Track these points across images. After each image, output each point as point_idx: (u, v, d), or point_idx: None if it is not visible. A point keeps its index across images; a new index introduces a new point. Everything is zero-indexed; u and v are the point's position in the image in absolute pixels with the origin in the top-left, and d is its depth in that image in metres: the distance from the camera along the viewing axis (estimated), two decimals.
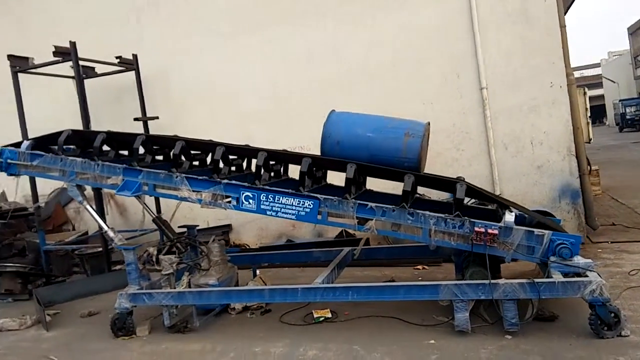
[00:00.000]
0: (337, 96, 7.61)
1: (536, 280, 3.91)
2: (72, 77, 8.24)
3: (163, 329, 4.85)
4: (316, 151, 7.66)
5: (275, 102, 7.98)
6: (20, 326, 5.51)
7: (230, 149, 5.08)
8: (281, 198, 4.64)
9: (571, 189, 6.73)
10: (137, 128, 8.19)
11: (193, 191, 4.86)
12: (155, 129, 8.25)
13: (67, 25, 8.95)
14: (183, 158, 5.18)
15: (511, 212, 4.27)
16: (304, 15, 7.78)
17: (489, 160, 7.05)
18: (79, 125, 8.03)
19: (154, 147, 5.40)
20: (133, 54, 8.16)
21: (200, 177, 4.86)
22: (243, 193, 4.73)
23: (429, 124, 4.96)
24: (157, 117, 8.29)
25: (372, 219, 4.45)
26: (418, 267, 6.36)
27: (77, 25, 8.86)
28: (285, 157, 5.07)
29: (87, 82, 8.58)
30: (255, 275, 6.06)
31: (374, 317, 4.72)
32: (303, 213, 4.61)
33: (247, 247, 7.78)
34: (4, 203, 8.72)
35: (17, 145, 5.52)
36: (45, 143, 5.58)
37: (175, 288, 4.97)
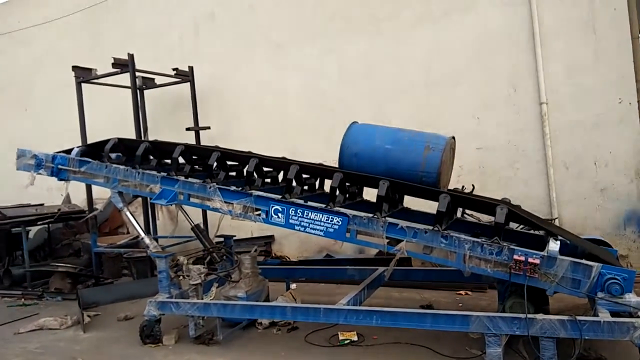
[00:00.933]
0: (386, 108, 7.43)
1: (579, 318, 3.50)
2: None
3: (189, 339, 4.83)
4: None
5: (322, 113, 7.88)
6: (60, 326, 5.72)
7: (264, 161, 5.01)
8: (310, 213, 4.50)
9: (638, 215, 6.09)
10: (190, 137, 8.40)
11: (225, 202, 4.84)
12: (206, 138, 8.41)
13: (130, 38, 9.41)
14: (220, 169, 5.19)
15: (556, 240, 3.87)
16: (360, 26, 7.66)
17: (546, 180, 6.54)
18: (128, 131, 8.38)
19: (194, 157, 5.45)
20: (189, 66, 8.39)
21: (232, 189, 4.83)
22: (272, 206, 4.64)
23: (453, 138, 4.66)
24: (209, 127, 8.45)
25: (403, 240, 4.21)
26: (461, 292, 5.97)
27: (139, 38, 9.28)
28: (317, 171, 4.93)
29: (148, 92, 9.00)
30: (288, 288, 5.95)
31: (403, 344, 4.45)
32: (331, 230, 4.44)
33: (287, 259, 7.70)
34: (67, 206, 9.20)
35: (68, 152, 5.77)
36: (94, 150, 5.80)
37: (203, 298, 4.94)
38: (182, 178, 5.06)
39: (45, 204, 9.27)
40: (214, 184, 4.88)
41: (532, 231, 4.75)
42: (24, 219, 7.88)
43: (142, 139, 8.82)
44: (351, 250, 7.49)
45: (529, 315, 3.63)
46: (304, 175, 5.03)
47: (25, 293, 7.42)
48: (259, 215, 4.74)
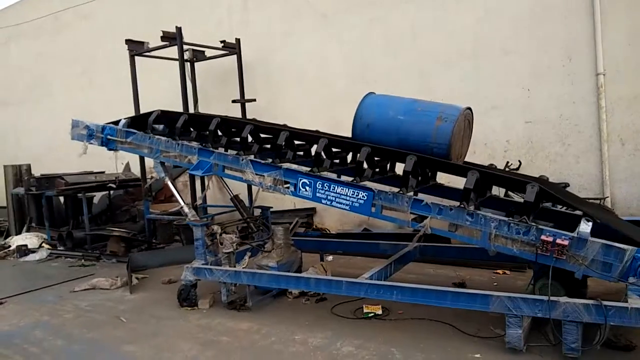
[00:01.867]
0: (430, 79, 7.21)
1: (605, 302, 3.32)
2: (185, 61, 8.87)
3: (223, 304, 5.05)
4: None
5: (365, 85, 7.72)
6: (110, 286, 6.15)
7: (294, 134, 5.05)
8: (336, 187, 4.51)
9: None
10: (236, 110, 8.57)
11: (256, 174, 4.94)
12: (252, 110, 8.53)
13: (183, 11, 9.62)
14: (255, 142, 5.27)
15: (588, 221, 3.66)
16: None
17: (599, 157, 6.15)
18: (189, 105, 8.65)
19: (230, 129, 5.57)
20: (236, 38, 8.49)
21: (263, 161, 4.91)
22: (300, 179, 4.69)
23: (469, 109, 4.50)
24: (254, 100, 8.57)
25: (428, 217, 4.14)
26: (498, 271, 5.81)
27: (191, 11, 9.47)
28: (345, 145, 4.90)
29: (198, 65, 9.22)
30: (322, 260, 6.04)
31: (427, 320, 4.42)
32: (357, 204, 4.43)
33: (327, 232, 7.78)
34: (125, 174, 9.75)
35: (117, 123, 6.06)
36: (141, 122, 6.05)
37: (235, 266, 5.13)
38: (217, 150, 5.20)
39: (106, 172, 9.87)
40: (246, 156, 4.99)
41: (575, 211, 4.52)
42: (84, 186, 8.41)
43: (194, 110, 9.13)
44: (391, 226, 7.42)
45: (552, 298, 3.50)
46: (335, 150, 5.03)
47: (85, 254, 8.01)
48: (288, 188, 4.81)
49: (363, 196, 4.40)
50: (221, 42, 8.32)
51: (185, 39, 8.44)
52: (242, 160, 4.99)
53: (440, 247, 5.49)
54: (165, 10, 10.09)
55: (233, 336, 4.38)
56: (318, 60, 8.25)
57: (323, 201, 4.61)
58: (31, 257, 8.36)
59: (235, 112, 8.58)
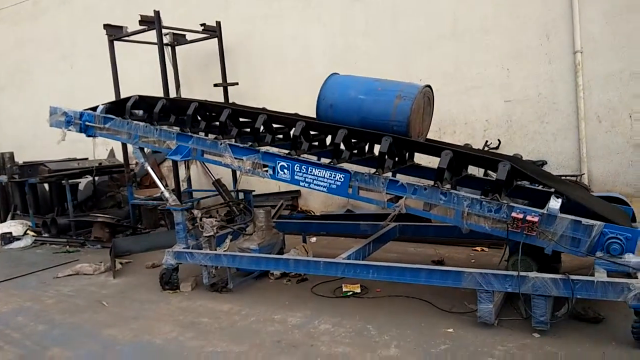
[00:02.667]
0: (411, 60, 7.21)
1: (571, 276, 3.41)
2: (165, 45, 8.79)
3: (205, 286, 5.10)
4: None
5: (346, 68, 7.71)
6: (94, 271, 6.18)
7: (272, 117, 5.06)
8: (314, 169, 4.54)
9: None
10: (218, 93, 8.53)
11: (235, 158, 4.95)
12: (235, 94, 8.50)
13: None
14: (234, 126, 5.28)
15: (558, 197, 3.73)
16: None
17: (577, 135, 6.22)
18: (170, 90, 8.60)
19: (208, 114, 5.56)
20: (216, 21, 8.41)
21: (242, 145, 4.92)
22: (279, 162, 4.71)
23: (429, 87, 4.58)
24: (237, 83, 8.53)
25: (403, 197, 4.19)
26: (477, 248, 5.91)
27: None
28: (323, 128, 4.92)
29: (180, 49, 9.14)
30: (304, 241, 6.10)
31: (404, 298, 4.51)
32: (334, 186, 4.47)
33: (312, 214, 7.83)
34: (109, 160, 9.71)
35: (95, 109, 6.03)
36: (119, 107, 6.01)
37: (216, 249, 5.17)
38: (196, 135, 5.20)
39: (89, 158, 9.82)
40: (225, 140, 5.00)
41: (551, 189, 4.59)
42: (66, 173, 8.37)
43: (176, 95, 9.09)
44: (374, 207, 7.49)
45: (521, 273, 3.58)
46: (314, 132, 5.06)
47: (70, 241, 8.01)
48: (267, 171, 4.83)
49: (340, 178, 4.44)
50: (201, 25, 8.24)
51: (166, 23, 8.35)
52: (221, 144, 4.99)
53: (419, 227, 5.57)
54: None
55: (213, 317, 4.44)
56: (299, 43, 8.21)
57: (301, 183, 4.64)
58: (16, 245, 8.35)
59: (218, 96, 8.55)
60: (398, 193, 4.20)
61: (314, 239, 6.97)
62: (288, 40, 8.31)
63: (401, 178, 4.34)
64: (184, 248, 5.19)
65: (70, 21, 11.29)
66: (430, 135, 7.02)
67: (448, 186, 4.30)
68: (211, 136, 5.18)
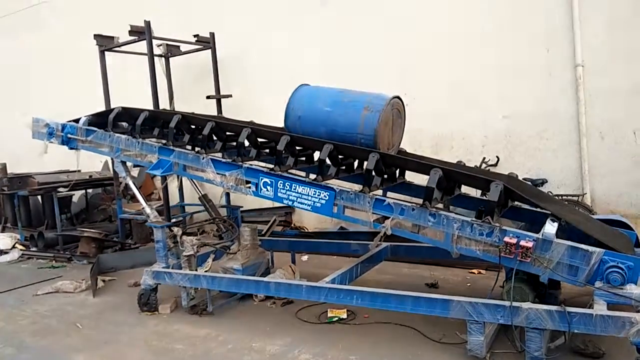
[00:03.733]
0: (407, 74, 6.98)
1: (568, 309, 3.14)
2: (159, 56, 8.65)
3: (186, 308, 4.86)
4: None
5: (340, 81, 7.50)
6: (74, 289, 5.94)
7: (257, 131, 4.82)
8: (297, 187, 4.31)
9: None
10: (212, 106, 8.34)
11: (217, 174, 4.73)
12: (229, 106, 8.31)
13: (159, 4, 9.37)
14: (218, 139, 5.06)
15: (554, 221, 3.47)
16: None
17: (579, 152, 5.95)
18: (164, 102, 8.44)
19: (195, 127, 5.34)
20: (210, 32, 8.25)
21: (224, 160, 4.71)
22: (262, 179, 4.49)
23: (397, 97, 4.42)
24: (230, 95, 8.34)
25: (389, 217, 3.94)
26: (473, 270, 5.62)
27: (161, 4, 9.21)
28: (307, 143, 4.67)
29: (176, 60, 8.98)
30: (293, 260, 5.85)
31: (392, 325, 4.24)
32: (319, 204, 4.24)
33: (305, 230, 7.58)
34: (100, 173, 9.52)
35: (78, 121, 5.83)
36: (103, 120, 5.81)
37: (197, 269, 4.93)
38: (178, 148, 4.99)
39: (81, 170, 9.63)
40: (207, 155, 4.78)
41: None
42: (54, 186, 8.18)
43: (169, 107, 8.91)
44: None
45: (515, 304, 3.31)
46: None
47: (57, 255, 7.78)
48: (249, 187, 4.60)
49: (325, 196, 4.20)
50: (194, 36, 8.08)
51: (162, 33, 8.21)
52: (203, 158, 4.78)
53: (412, 247, 5.28)
54: (141, 3, 9.82)
55: (188, 344, 4.18)
56: (293, 54, 8.02)
57: (285, 201, 4.41)
58: (2, 259, 8.13)
59: (213, 108, 8.36)
60: (384, 213, 3.96)
61: (305, 257, 6.71)
62: (281, 52, 8.12)
63: (392, 196, 4.12)
64: (163, 267, 4.95)
65: (66, 31, 11.17)
66: (426, 152, 6.85)
67: (440, 206, 4.07)
68: (195, 150, 4.96)
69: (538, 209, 4.25)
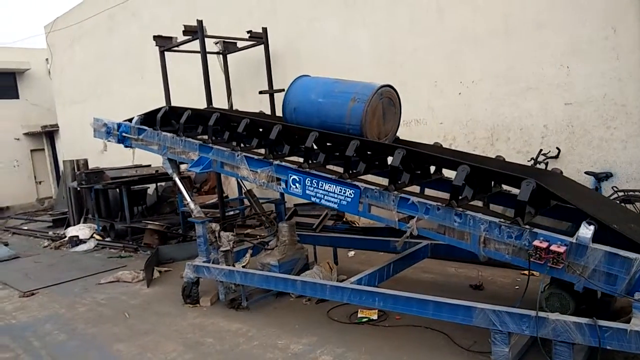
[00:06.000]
0: (459, 59, 6.64)
1: (600, 322, 2.82)
2: (217, 53, 8.89)
3: (223, 302, 4.98)
4: (434, 126, 6.89)
5: (392, 69, 7.30)
6: (132, 279, 6.31)
7: (287, 128, 4.79)
8: (324, 184, 4.24)
9: None
10: (265, 100, 8.45)
11: (251, 171, 4.77)
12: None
13: (210, 4, 9.62)
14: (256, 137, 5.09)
15: (590, 224, 3.11)
16: None
17: None
18: (223, 97, 8.68)
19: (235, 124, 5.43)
20: (262, 28, 8.34)
21: (256, 157, 4.73)
22: (291, 176, 4.46)
23: (388, 86, 4.32)
24: (283, 90, 8.35)
25: (415, 216, 3.77)
26: (525, 272, 5.22)
27: (218, 3, 9.43)
28: (337, 139, 4.55)
29: (233, 56, 9.20)
30: (335, 256, 5.80)
31: (422, 329, 4.07)
32: (344, 202, 4.14)
33: (356, 225, 7.47)
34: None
35: (132, 120, 6.13)
36: (154, 118, 6.07)
37: (234, 264, 5.03)
38: (216, 146, 5.09)
39: (151, 165, 10.18)
40: (241, 152, 4.83)
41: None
42: (123, 180, 8.71)
43: (228, 103, 9.15)
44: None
45: (540, 314, 3.03)
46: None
47: (126, 245, 8.32)
48: (280, 185, 4.60)
49: (350, 194, 4.10)
50: (248, 32, 8.20)
51: (220, 31, 8.44)
52: (237, 155, 4.84)
53: (453, 246, 5.02)
54: (200, 4, 10.14)
55: (219, 338, 4.28)
56: (344, 45, 7.89)
57: (312, 198, 4.35)
58: (80, 248, 8.84)
59: (262, 102, 8.46)
60: (409, 212, 3.79)
61: (352, 253, 6.63)
62: (332, 43, 8.03)
63: (430, 194, 3.93)
64: (204, 262, 5.10)
65: (140, 33, 11.81)
66: (481, 143, 6.49)
67: (479, 204, 3.82)
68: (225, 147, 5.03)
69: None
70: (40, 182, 18.44)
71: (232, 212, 8.50)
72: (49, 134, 18.04)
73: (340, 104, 4.23)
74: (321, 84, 4.52)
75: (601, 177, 5.40)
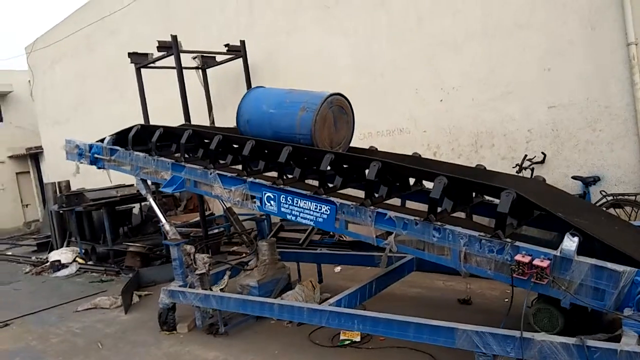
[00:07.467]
0: (440, 66, 6.50)
1: (588, 342, 2.62)
2: (195, 68, 8.72)
3: (199, 328, 4.76)
4: (418, 135, 6.73)
5: (372, 79, 7.15)
6: (110, 305, 6.07)
7: (261, 143, 4.61)
8: (299, 201, 4.05)
9: None
10: None
11: (225, 189, 4.58)
12: None
13: (195, 18, 9.48)
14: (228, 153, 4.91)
15: (574, 235, 2.93)
16: None
17: (637, 143, 5.18)
18: (201, 111, 8.50)
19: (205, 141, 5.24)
20: (240, 41, 8.20)
21: (229, 175, 4.54)
22: (265, 193, 4.27)
23: (338, 94, 4.34)
24: None
25: (392, 232, 3.58)
26: None
27: (203, 15, 9.29)
28: (311, 154, 4.38)
29: (214, 71, 9.03)
30: (320, 273, 5.60)
31: (407, 350, 3.86)
32: (321, 220, 3.95)
33: (343, 239, 7.26)
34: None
35: (104, 141, 5.93)
36: (126, 138, 5.87)
37: (209, 288, 4.81)
38: (188, 165, 4.89)
39: (134, 185, 9.95)
40: (214, 170, 4.64)
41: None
42: (102, 202, 8.48)
43: (209, 117, 8.97)
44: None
45: (526, 334, 2.83)
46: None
47: (107, 269, 8.07)
48: (255, 202, 4.40)
49: (326, 210, 3.91)
50: (225, 45, 8.05)
51: (199, 46, 8.29)
52: (211, 174, 4.65)
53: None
54: (179, 19, 10.00)
55: None
56: (322, 55, 7.75)
57: (288, 216, 4.16)
58: (62, 273, 8.58)
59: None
60: (387, 228, 3.61)
61: (338, 269, 6.43)
62: (312, 53, 7.88)
63: (408, 206, 3.74)
64: (180, 286, 4.88)
65: (118, 51, 11.63)
66: (466, 150, 6.33)
67: (463, 215, 3.64)
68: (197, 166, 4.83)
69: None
70: (26, 205, 18.15)
71: (216, 230, 8.28)
72: (34, 156, 17.78)
73: (290, 114, 4.21)
74: (273, 95, 4.48)
75: (589, 182, 5.24)
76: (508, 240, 3.08)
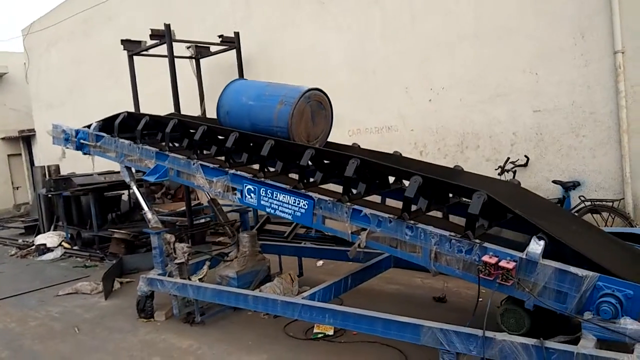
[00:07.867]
0: (430, 66, 6.52)
1: (547, 344, 2.67)
2: (189, 57, 8.72)
3: (176, 317, 4.80)
4: (405, 133, 6.77)
5: (364, 76, 7.17)
6: (91, 291, 6.10)
7: (245, 136, 4.63)
8: (279, 195, 4.08)
9: None
10: None
11: (207, 180, 4.61)
12: None
13: (192, 6, 9.45)
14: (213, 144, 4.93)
15: (540, 239, 2.98)
16: None
17: (619, 150, 5.22)
18: (194, 101, 8.50)
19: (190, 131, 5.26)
20: (235, 32, 8.19)
21: (212, 166, 4.57)
22: (246, 185, 4.30)
23: (316, 89, 4.41)
24: None
25: (366, 229, 3.62)
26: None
27: (191, 7, 9.27)
28: (292, 148, 4.40)
29: (208, 61, 9.03)
30: (300, 267, 5.64)
31: (378, 345, 3.91)
32: (299, 214, 3.99)
33: (328, 235, 7.30)
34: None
35: (90, 127, 5.93)
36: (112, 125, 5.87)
37: (188, 277, 4.85)
38: (172, 154, 4.91)
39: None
40: (197, 160, 4.66)
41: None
42: (89, 187, 8.49)
43: (200, 108, 8.97)
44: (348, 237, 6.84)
45: (487, 334, 2.88)
46: None
47: (92, 255, 8.09)
48: (235, 194, 4.43)
49: (304, 205, 3.95)
50: (219, 36, 8.05)
51: (194, 36, 8.28)
52: (193, 164, 4.67)
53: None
54: (176, 8, 9.97)
55: (167, 356, 4.10)
56: (317, 51, 7.75)
57: (267, 209, 4.20)
58: (47, 256, 8.60)
59: None
60: (362, 224, 3.64)
61: (320, 263, 6.48)
62: (306, 49, 7.88)
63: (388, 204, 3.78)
64: (159, 274, 4.91)
65: (114, 37, 11.56)
66: (452, 150, 6.37)
67: (439, 215, 3.68)
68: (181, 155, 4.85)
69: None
70: (17, 188, 18.09)
71: (202, 220, 8.31)
72: (26, 139, 17.72)
73: (268, 106, 4.26)
74: (253, 88, 4.52)
75: (569, 186, 5.30)
76: (477, 241, 3.12)
